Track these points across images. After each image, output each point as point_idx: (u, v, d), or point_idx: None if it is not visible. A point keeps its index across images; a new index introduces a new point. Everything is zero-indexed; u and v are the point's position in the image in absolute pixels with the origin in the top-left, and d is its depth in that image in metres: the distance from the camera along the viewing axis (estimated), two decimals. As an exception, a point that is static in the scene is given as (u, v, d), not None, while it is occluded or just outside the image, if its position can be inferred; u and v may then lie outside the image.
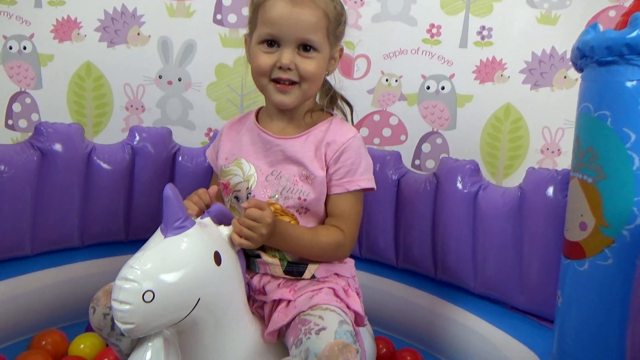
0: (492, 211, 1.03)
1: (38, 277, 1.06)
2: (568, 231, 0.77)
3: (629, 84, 0.68)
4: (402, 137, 1.45)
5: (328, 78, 0.89)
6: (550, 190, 0.94)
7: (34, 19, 1.45)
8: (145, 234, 0.64)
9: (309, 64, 0.80)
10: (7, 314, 1.01)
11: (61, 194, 1.08)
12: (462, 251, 1.08)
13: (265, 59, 0.80)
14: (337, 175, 0.82)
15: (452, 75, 1.40)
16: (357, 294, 0.84)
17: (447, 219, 1.10)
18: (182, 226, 0.65)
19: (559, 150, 1.38)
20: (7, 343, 1.02)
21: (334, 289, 0.79)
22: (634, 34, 0.66)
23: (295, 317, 0.74)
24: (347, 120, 0.90)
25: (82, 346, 0.99)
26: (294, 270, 0.82)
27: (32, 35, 1.46)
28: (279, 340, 0.78)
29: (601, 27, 0.74)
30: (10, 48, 1.47)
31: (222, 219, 0.74)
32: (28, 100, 1.49)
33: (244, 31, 0.90)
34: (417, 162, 1.46)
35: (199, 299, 0.64)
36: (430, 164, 1.45)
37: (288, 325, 0.74)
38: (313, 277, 0.82)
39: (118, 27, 1.44)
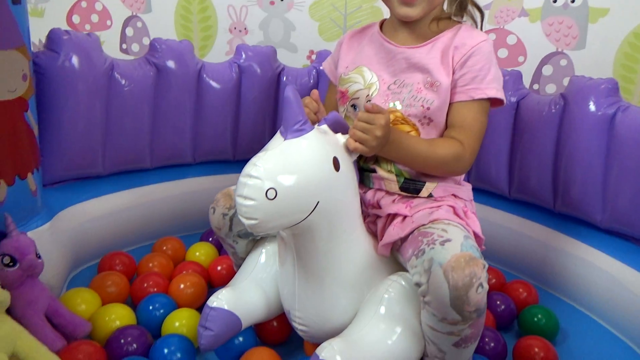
0: (632, 136, 0.92)
1: (157, 189, 1.13)
2: None
3: None
4: (520, 59, 1.32)
5: None
6: None
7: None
8: (251, 155, 0.64)
9: None
10: (133, 220, 1.10)
11: (175, 111, 1.11)
12: (591, 182, 0.99)
13: None
14: (463, 82, 0.75)
15: (586, -15, 1.23)
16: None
17: (574, 145, 1.00)
18: (302, 129, 0.64)
19: None
20: (134, 246, 1.12)
21: (453, 207, 0.75)
22: None
23: (413, 231, 0.71)
24: (477, 27, 0.82)
25: (197, 253, 1.05)
26: (411, 187, 0.78)
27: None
28: (392, 255, 0.76)
29: None
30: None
31: (337, 128, 0.71)
32: (139, 24, 1.53)
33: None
34: (535, 86, 1.32)
35: (318, 202, 0.63)
36: (551, 88, 1.31)
37: (404, 239, 0.72)
38: (430, 196, 0.78)
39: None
